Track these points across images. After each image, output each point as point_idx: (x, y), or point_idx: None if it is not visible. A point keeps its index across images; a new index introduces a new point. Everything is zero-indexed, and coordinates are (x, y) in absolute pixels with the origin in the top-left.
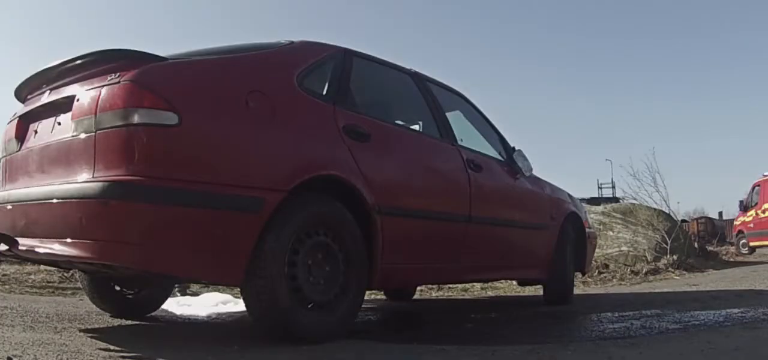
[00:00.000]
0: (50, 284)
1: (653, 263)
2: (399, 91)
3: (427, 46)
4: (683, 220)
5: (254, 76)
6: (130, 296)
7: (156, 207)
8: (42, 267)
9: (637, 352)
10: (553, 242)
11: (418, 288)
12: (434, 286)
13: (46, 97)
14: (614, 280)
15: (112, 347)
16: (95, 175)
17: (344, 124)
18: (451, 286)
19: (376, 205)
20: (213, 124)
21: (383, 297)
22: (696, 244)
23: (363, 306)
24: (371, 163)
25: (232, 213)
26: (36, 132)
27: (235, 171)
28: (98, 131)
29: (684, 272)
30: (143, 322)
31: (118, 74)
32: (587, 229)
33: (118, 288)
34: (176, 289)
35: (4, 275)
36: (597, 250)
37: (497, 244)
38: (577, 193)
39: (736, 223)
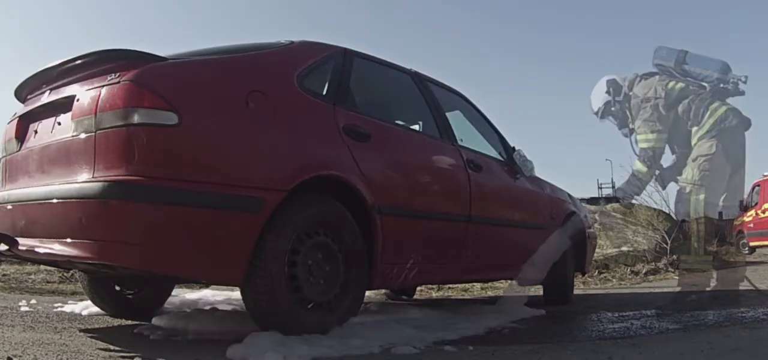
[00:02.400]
0: (50, 284)
1: (653, 263)
2: (399, 91)
3: (427, 46)
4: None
5: (254, 76)
6: (130, 296)
7: (156, 207)
8: (42, 267)
9: (637, 352)
10: None
11: (418, 288)
12: (434, 286)
13: (46, 97)
14: (614, 280)
15: (112, 347)
16: (95, 175)
17: (344, 124)
18: (451, 286)
19: (376, 204)
20: (213, 124)
21: (383, 296)
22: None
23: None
24: (371, 163)
25: (232, 213)
26: (36, 132)
27: (235, 171)
28: (98, 131)
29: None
30: (143, 322)
31: (118, 74)
32: (587, 229)
33: (118, 288)
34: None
35: (4, 275)
36: (597, 250)
37: (497, 244)
38: (577, 193)
39: (736, 223)
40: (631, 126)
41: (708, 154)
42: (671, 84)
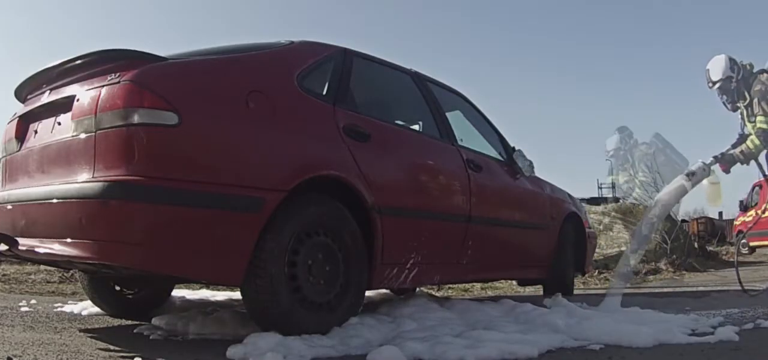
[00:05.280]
0: (50, 284)
1: (653, 263)
2: (399, 91)
3: (427, 47)
4: (683, 220)
5: (254, 76)
6: (130, 296)
7: (156, 207)
8: (42, 267)
9: (638, 353)
10: (553, 242)
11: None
12: (434, 286)
13: (46, 97)
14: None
15: (112, 347)
16: (95, 175)
17: (344, 124)
18: (451, 286)
19: (375, 205)
20: (213, 124)
21: (385, 292)
22: (696, 244)
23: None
24: (371, 163)
25: (232, 213)
26: (36, 132)
27: (235, 171)
28: (98, 131)
29: (684, 272)
30: (143, 322)
31: (118, 74)
32: (587, 229)
33: (118, 288)
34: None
35: (4, 275)
36: (597, 250)
37: (497, 244)
38: (577, 193)
39: (736, 223)
40: (739, 104)
41: None
42: None
